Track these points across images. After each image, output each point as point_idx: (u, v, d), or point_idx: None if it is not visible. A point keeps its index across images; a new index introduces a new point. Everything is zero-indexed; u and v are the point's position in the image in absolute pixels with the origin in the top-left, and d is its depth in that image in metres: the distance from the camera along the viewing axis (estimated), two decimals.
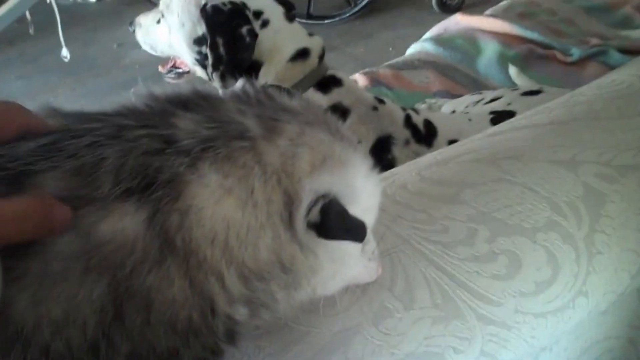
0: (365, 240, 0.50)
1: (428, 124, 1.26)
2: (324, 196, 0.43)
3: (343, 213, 0.44)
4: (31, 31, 1.93)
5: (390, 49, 1.93)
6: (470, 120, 1.29)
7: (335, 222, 0.43)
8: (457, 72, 1.84)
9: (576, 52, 1.83)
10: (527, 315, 0.61)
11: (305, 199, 0.43)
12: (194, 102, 0.45)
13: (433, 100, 1.69)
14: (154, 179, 0.38)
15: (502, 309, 0.60)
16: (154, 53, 1.45)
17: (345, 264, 0.50)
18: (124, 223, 0.38)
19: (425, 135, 1.23)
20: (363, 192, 0.47)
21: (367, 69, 1.86)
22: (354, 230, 0.45)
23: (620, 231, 0.68)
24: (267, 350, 0.54)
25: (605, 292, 0.66)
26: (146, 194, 0.38)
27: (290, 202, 0.42)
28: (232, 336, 0.45)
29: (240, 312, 0.44)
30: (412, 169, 0.74)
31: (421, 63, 1.86)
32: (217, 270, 0.40)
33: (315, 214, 0.43)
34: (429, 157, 0.79)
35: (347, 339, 0.54)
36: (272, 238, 0.42)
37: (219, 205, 0.40)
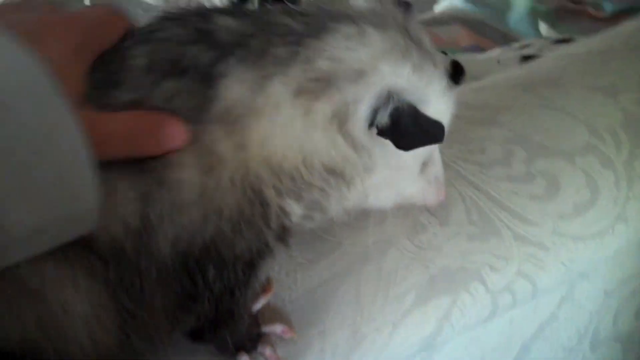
0: (428, 160, 0.49)
1: (456, 64, 1.23)
2: (391, 98, 0.40)
3: (416, 113, 0.40)
4: None
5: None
6: (498, 62, 1.26)
7: (410, 125, 0.40)
8: (487, 27, 1.79)
9: (609, 7, 1.77)
10: (565, 237, 0.59)
11: (365, 99, 0.40)
12: (237, 11, 0.43)
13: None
14: (187, 67, 0.38)
15: (540, 230, 0.58)
16: None
17: (400, 172, 0.47)
18: None
19: (451, 74, 1.20)
20: (434, 107, 0.43)
21: None
22: (431, 131, 0.41)
23: None
24: (298, 259, 0.53)
25: None
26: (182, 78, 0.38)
27: (334, 99, 0.39)
28: (284, 232, 0.43)
29: (293, 209, 0.41)
30: None
31: (450, 19, 1.81)
32: (243, 159, 0.38)
33: (383, 117, 0.40)
34: (462, 86, 0.77)
35: (381, 251, 0.53)
36: (307, 130, 0.40)
37: (246, 95, 0.38)
